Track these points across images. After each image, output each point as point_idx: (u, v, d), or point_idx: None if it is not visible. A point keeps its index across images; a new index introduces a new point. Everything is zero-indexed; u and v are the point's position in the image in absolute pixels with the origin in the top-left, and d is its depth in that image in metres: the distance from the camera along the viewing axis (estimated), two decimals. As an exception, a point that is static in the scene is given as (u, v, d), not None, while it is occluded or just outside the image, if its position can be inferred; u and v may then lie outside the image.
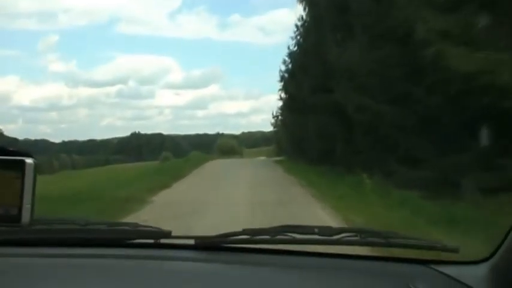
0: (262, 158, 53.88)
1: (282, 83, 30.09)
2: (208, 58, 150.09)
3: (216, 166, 30.09)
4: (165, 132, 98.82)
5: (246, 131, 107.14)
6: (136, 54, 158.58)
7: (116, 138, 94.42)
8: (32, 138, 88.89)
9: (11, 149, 1.20)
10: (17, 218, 1.16)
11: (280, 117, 40.47)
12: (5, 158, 1.17)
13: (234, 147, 72.56)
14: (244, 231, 1.49)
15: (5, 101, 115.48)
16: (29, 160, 1.18)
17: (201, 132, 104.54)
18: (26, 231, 1.25)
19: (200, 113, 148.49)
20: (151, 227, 1.47)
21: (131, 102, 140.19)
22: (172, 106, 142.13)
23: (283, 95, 31.56)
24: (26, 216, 1.16)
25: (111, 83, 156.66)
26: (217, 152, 66.34)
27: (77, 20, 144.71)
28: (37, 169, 1.19)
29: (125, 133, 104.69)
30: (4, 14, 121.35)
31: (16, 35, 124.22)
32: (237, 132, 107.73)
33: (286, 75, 28.48)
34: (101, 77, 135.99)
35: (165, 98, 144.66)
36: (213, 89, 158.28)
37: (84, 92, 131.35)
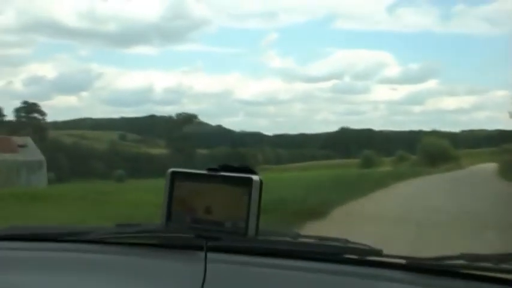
0: (488, 166, 39.71)
1: None
2: (427, 52, 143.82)
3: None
4: (376, 128, 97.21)
5: (465, 129, 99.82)
6: (352, 49, 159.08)
7: (325, 133, 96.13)
8: (248, 130, 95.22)
9: (237, 166, 1.28)
10: (244, 231, 1.25)
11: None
12: (235, 175, 1.27)
13: (447, 150, 51.38)
14: (462, 256, 1.39)
15: (229, 94, 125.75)
16: (255, 177, 1.25)
17: (415, 128, 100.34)
18: (249, 240, 1.31)
19: (416, 108, 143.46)
20: (361, 244, 1.45)
21: (345, 97, 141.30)
22: (388, 101, 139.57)
23: None
24: (251, 230, 1.24)
25: (327, 78, 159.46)
26: (421, 155, 50.12)
27: (296, 17, 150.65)
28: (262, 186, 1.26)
29: (335, 128, 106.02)
30: (231, 14, 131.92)
31: (240, 34, 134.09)
32: (456, 129, 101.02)
33: None
34: (316, 73, 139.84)
35: (380, 93, 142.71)
36: (431, 84, 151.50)
37: (300, 87, 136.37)
